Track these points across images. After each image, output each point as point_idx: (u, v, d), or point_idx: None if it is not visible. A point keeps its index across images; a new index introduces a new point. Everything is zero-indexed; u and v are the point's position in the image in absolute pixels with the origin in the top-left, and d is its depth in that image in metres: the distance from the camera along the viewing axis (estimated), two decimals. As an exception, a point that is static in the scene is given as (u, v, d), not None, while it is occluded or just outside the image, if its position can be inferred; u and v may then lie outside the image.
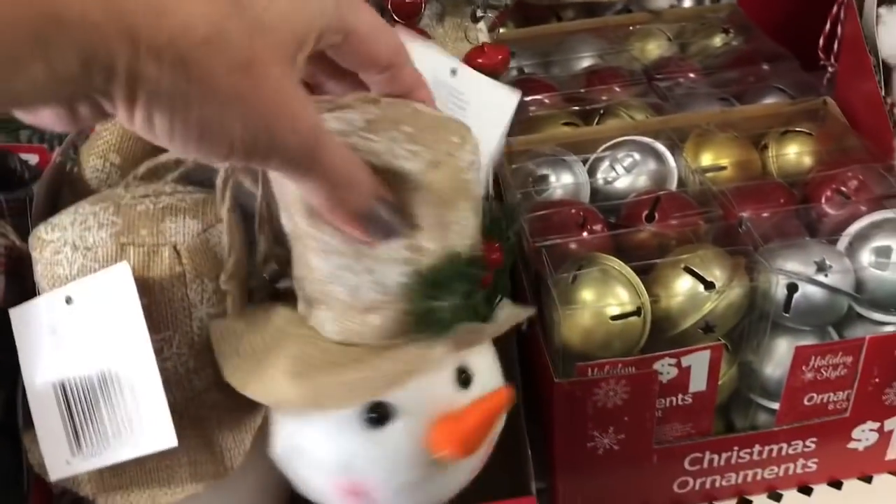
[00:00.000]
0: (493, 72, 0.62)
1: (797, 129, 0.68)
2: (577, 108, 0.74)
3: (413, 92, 0.46)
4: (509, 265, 0.50)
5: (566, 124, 0.73)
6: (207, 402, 0.54)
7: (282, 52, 0.36)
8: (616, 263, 0.57)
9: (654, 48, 0.84)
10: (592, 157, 0.68)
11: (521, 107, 0.73)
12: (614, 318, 0.55)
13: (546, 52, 0.85)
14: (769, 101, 0.74)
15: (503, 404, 0.45)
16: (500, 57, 0.61)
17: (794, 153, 0.67)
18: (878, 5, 0.62)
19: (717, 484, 0.63)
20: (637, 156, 0.67)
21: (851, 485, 0.65)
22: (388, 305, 0.44)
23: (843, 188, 0.62)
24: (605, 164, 0.67)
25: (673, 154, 0.67)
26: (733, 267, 0.56)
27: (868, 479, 0.66)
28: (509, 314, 0.50)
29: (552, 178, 0.66)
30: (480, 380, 0.48)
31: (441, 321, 0.44)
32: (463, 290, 0.44)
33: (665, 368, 0.56)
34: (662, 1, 0.89)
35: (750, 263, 0.57)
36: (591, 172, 0.68)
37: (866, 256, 0.58)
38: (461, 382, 0.46)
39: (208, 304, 0.53)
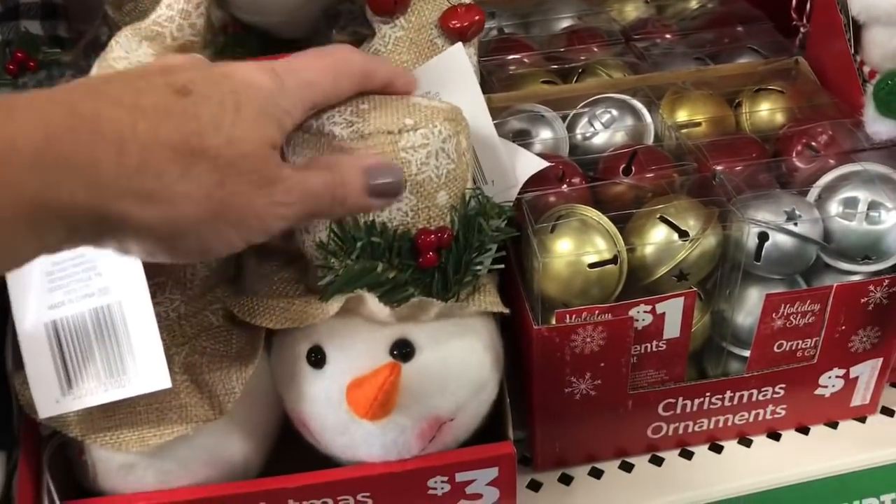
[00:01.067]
0: (468, 33, 0.63)
1: (769, 87, 0.70)
2: (555, 66, 0.75)
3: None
4: (484, 254, 0.54)
5: (545, 82, 0.74)
6: (197, 349, 0.56)
7: (255, 164, 0.41)
8: (594, 214, 0.58)
9: (632, 10, 0.86)
10: (571, 113, 0.69)
11: (502, 66, 0.74)
12: (592, 265, 0.57)
13: (526, 13, 0.86)
14: (743, 60, 0.76)
15: (389, 379, 0.48)
16: (475, 18, 0.62)
17: (767, 110, 0.69)
18: (848, -37, 0.64)
19: (690, 429, 0.65)
20: (615, 112, 0.68)
21: (818, 430, 0.68)
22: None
23: (812, 143, 0.64)
24: (584, 120, 0.69)
25: (649, 111, 0.69)
26: (707, 217, 0.58)
27: (834, 425, 0.68)
28: (477, 301, 0.53)
29: (532, 134, 0.68)
30: (426, 356, 0.52)
31: (337, 280, 0.50)
32: (367, 257, 0.50)
33: (640, 315, 0.58)
34: (641, -36, 0.90)
35: (723, 214, 0.59)
36: (570, 128, 0.69)
37: (834, 207, 0.60)
38: (402, 355, 0.51)
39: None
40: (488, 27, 0.83)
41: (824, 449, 0.66)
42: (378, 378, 0.48)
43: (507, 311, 0.56)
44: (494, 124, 0.67)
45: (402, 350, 0.52)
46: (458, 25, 0.63)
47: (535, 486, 0.65)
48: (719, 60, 0.76)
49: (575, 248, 0.57)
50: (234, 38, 0.88)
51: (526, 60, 0.78)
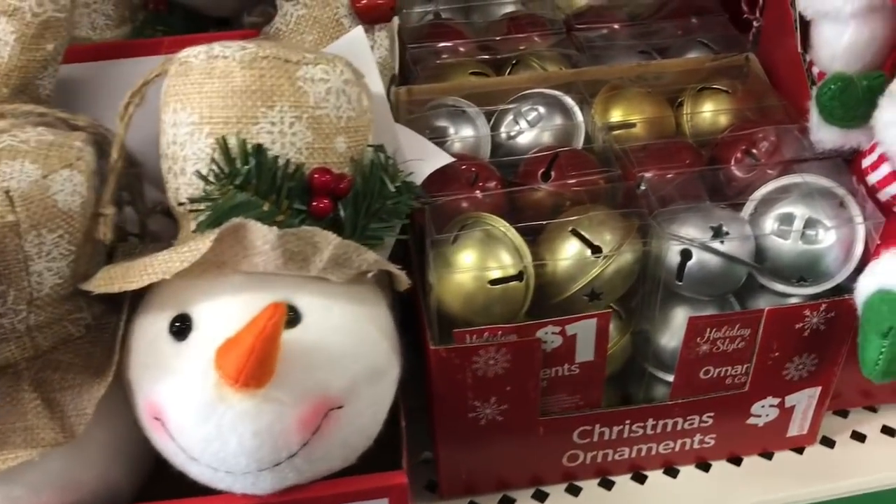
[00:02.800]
0: (376, 14, 0.57)
1: (714, 86, 0.64)
2: (487, 57, 0.69)
3: None
4: (369, 206, 0.49)
5: (474, 74, 0.68)
6: (52, 363, 0.51)
7: None
8: (501, 224, 0.53)
9: (581, -2, 0.79)
10: (497, 109, 0.63)
11: (431, 54, 0.69)
12: (494, 281, 0.51)
13: (464, -5, 0.80)
14: (692, 55, 0.70)
15: (270, 323, 0.41)
16: (381, 1, 0.57)
17: (710, 111, 0.64)
18: (795, -46, 0.58)
19: (610, 458, 0.60)
20: (542, 109, 0.62)
21: (751, 461, 0.63)
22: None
23: (753, 150, 0.58)
24: (510, 117, 0.63)
25: (582, 109, 0.63)
26: (624, 231, 0.53)
27: (769, 456, 0.63)
28: (366, 259, 0.47)
29: (451, 131, 0.62)
30: (313, 322, 0.46)
31: (215, 209, 0.45)
32: (253, 191, 0.46)
33: (549, 337, 0.53)
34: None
35: (643, 228, 0.53)
36: (495, 126, 0.63)
37: (769, 223, 0.54)
38: (286, 321, 0.44)
39: (49, 258, 0.48)
40: (424, 10, 0.77)
41: (757, 481, 0.62)
42: (255, 327, 0.41)
43: (406, 281, 0.51)
44: (413, 118, 0.62)
45: (286, 315, 0.44)
46: (363, 4, 0.57)
47: (439, 514, 0.60)
48: (667, 54, 0.71)
49: (477, 262, 0.52)
50: (154, 15, 0.82)
51: (460, 49, 0.72)
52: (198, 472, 0.48)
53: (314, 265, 0.46)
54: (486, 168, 0.58)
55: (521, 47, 0.71)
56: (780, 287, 0.55)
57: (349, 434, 0.49)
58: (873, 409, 0.66)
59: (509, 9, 0.78)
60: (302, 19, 0.59)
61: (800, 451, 0.63)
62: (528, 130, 0.62)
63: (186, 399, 0.45)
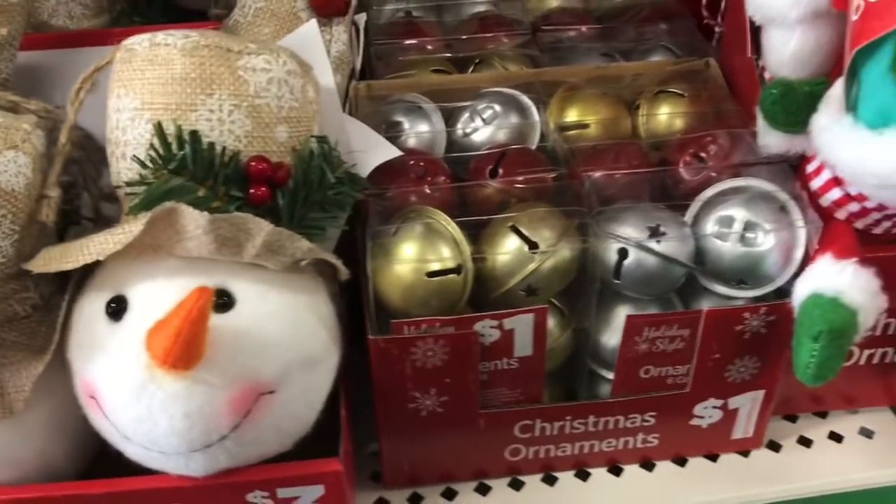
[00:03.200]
0: (332, 9, 0.58)
1: (670, 89, 0.64)
2: (449, 55, 0.70)
3: None
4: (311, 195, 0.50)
5: (437, 71, 0.69)
6: (-8, 340, 0.52)
7: None
8: (442, 218, 0.54)
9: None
10: (454, 106, 0.64)
11: (396, 50, 0.69)
12: (431, 274, 0.52)
13: (439, -6, 0.81)
14: (655, 59, 0.70)
15: (197, 305, 0.42)
16: (336, -6, 0.58)
17: (666, 114, 0.64)
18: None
19: (553, 453, 0.61)
20: (498, 108, 0.63)
21: (696, 462, 0.63)
22: None
23: (702, 153, 0.59)
24: (466, 115, 0.64)
25: (539, 109, 0.64)
26: (563, 228, 0.53)
27: (714, 458, 0.63)
28: (300, 247, 0.48)
29: (406, 126, 0.63)
30: (246, 309, 0.46)
31: (148, 192, 0.46)
32: (189, 177, 0.47)
33: (487, 330, 0.53)
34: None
35: (582, 226, 0.54)
36: (452, 123, 0.64)
37: (710, 225, 0.55)
38: (218, 305, 0.46)
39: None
40: (395, 8, 0.78)
41: (700, 482, 0.62)
42: (182, 309, 0.42)
43: (345, 271, 0.52)
44: (369, 113, 0.63)
45: (220, 300, 0.46)
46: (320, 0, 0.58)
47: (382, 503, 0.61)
48: (631, 58, 0.71)
49: (416, 254, 0.52)
50: (132, 6, 0.83)
51: (427, 47, 0.73)
52: (132, 451, 0.49)
53: (247, 251, 0.47)
54: (436, 163, 0.59)
55: (490, 46, 0.72)
56: (720, 289, 0.55)
57: (282, 419, 0.50)
58: (822, 415, 0.66)
59: (480, 9, 0.78)
60: (260, 12, 0.60)
61: (745, 454, 0.63)
62: (484, 128, 0.63)
63: (119, 379, 0.46)
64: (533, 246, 0.52)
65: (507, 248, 0.53)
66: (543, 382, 0.57)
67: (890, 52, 0.44)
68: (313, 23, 0.57)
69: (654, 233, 0.53)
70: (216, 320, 0.46)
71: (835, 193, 0.53)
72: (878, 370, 0.63)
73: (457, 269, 0.52)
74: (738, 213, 0.54)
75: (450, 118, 0.64)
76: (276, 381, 0.48)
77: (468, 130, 0.63)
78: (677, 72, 0.67)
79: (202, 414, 0.45)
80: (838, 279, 0.50)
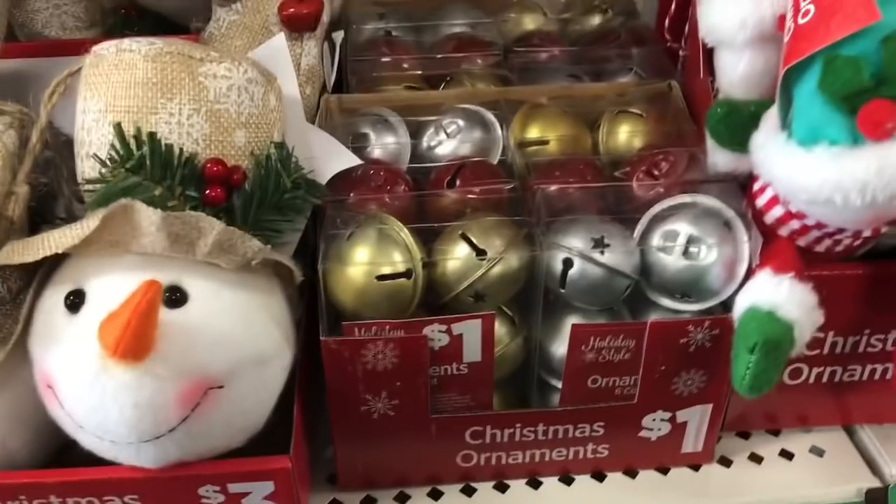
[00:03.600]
0: (301, 24, 0.60)
1: (630, 110, 0.66)
2: (421, 73, 0.72)
3: None
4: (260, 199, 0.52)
5: (409, 88, 0.71)
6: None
7: None
8: (395, 224, 0.55)
9: (530, 22, 0.82)
10: (417, 120, 0.66)
11: (371, 66, 0.72)
12: (381, 277, 0.54)
13: (422, 17, 0.83)
14: (621, 81, 0.72)
15: (145, 298, 0.44)
16: (305, 11, 0.60)
17: (625, 133, 0.66)
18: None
19: (504, 461, 0.62)
20: (461, 122, 0.65)
21: (646, 475, 0.64)
22: None
23: (654, 170, 0.61)
24: (431, 129, 0.66)
25: (503, 125, 0.66)
26: (512, 237, 0.55)
27: (664, 471, 0.64)
28: (251, 247, 0.50)
29: (372, 138, 0.65)
30: (198, 305, 0.48)
31: (104, 189, 0.48)
32: (146, 176, 0.49)
33: (436, 335, 0.55)
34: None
35: (531, 236, 0.55)
36: (417, 136, 0.66)
37: (656, 239, 0.56)
38: (171, 301, 0.48)
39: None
40: (376, 27, 0.80)
41: (649, 494, 0.63)
42: (131, 302, 0.44)
43: (298, 273, 0.54)
44: (339, 125, 0.65)
45: (173, 296, 0.48)
46: (288, 13, 0.61)
47: (335, 505, 0.62)
48: (599, 80, 0.73)
49: (369, 258, 0.54)
50: (125, 20, 0.87)
51: (404, 65, 0.75)
52: (86, 440, 0.51)
53: (200, 249, 0.49)
54: (396, 173, 0.61)
55: (462, 66, 0.74)
56: (666, 302, 0.57)
57: (231, 415, 0.52)
58: (776, 433, 0.67)
59: (457, 30, 0.81)
60: (233, 24, 0.63)
61: (695, 468, 0.64)
62: (447, 142, 0.65)
63: (74, 369, 0.48)
64: (481, 253, 0.54)
65: (457, 255, 0.55)
66: (493, 389, 0.58)
67: (818, 71, 0.46)
68: (281, 36, 0.59)
69: (599, 244, 0.54)
70: (168, 315, 0.48)
71: (777, 211, 0.55)
72: (829, 389, 0.64)
73: (407, 274, 0.54)
74: (683, 228, 0.56)
75: (416, 132, 0.66)
76: (225, 377, 0.50)
77: (432, 144, 0.65)
78: (640, 93, 0.69)
79: (151, 405, 0.47)
80: (775, 293, 0.51)
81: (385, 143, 0.65)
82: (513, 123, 0.66)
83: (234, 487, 0.55)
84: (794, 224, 0.54)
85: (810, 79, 0.47)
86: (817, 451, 0.65)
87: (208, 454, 0.53)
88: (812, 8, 0.46)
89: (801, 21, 0.47)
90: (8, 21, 0.82)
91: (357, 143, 0.64)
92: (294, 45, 0.63)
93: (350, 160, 0.58)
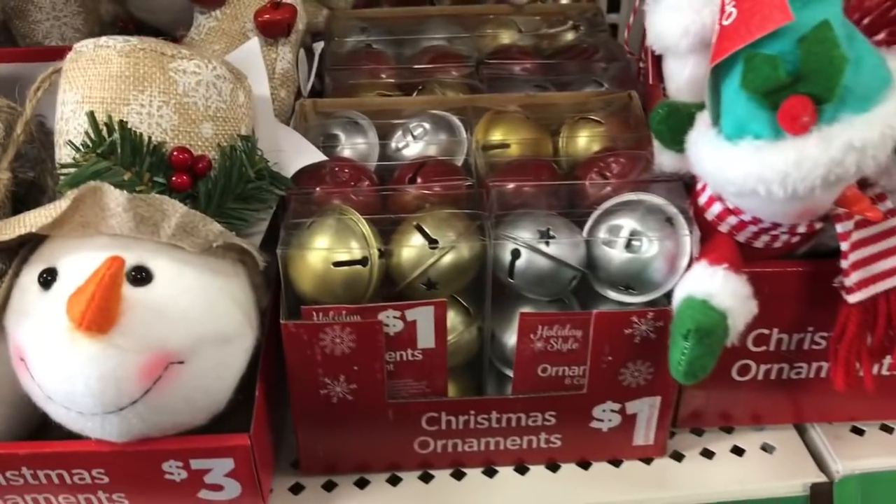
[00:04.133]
0: (275, 30, 0.64)
1: (590, 116, 0.70)
2: (395, 81, 0.76)
3: None
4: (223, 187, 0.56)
5: (382, 95, 0.75)
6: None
7: None
8: (353, 215, 0.59)
9: (505, 37, 0.86)
10: (387, 123, 0.70)
11: (347, 76, 0.76)
12: (338, 263, 0.57)
13: (402, 31, 0.87)
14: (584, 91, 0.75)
15: (108, 273, 0.48)
16: (279, 17, 0.64)
17: (585, 139, 0.69)
18: (640, -7, 0.63)
19: (461, 448, 0.64)
20: (428, 126, 0.69)
21: (600, 467, 0.66)
22: None
23: (605, 171, 0.63)
24: (399, 132, 0.69)
25: (468, 130, 0.69)
26: (463, 229, 0.58)
27: (617, 464, 0.66)
28: (212, 230, 0.53)
29: (342, 138, 0.68)
30: (162, 285, 0.51)
31: (76, 172, 0.52)
32: (117, 161, 0.52)
33: (391, 321, 0.58)
34: (529, -5, 0.91)
35: (482, 228, 0.58)
36: (387, 139, 0.69)
37: (602, 234, 0.59)
38: (136, 280, 0.51)
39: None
40: (357, 40, 0.84)
41: (601, 484, 0.65)
42: (95, 276, 0.47)
43: (261, 259, 0.57)
44: (313, 127, 0.68)
45: (138, 275, 0.52)
46: (263, 19, 0.64)
47: (297, 489, 0.65)
48: (564, 91, 0.76)
49: (327, 246, 0.57)
50: (122, 33, 0.91)
51: (382, 75, 0.79)
52: (55, 411, 0.54)
53: (164, 230, 0.52)
54: (360, 170, 0.64)
55: (436, 76, 0.78)
56: (612, 294, 0.60)
57: (192, 390, 0.55)
58: (728, 431, 0.69)
59: (435, 44, 0.85)
60: (213, 30, 0.67)
61: (647, 461, 0.66)
62: (414, 143, 0.68)
63: (43, 341, 0.51)
64: (433, 242, 0.57)
65: (411, 244, 0.58)
66: (447, 376, 0.61)
67: (740, 69, 0.49)
68: (255, 40, 0.63)
69: (544, 236, 0.57)
70: (133, 293, 0.51)
71: (716, 208, 0.57)
72: (779, 387, 0.66)
73: (363, 261, 0.57)
74: (627, 223, 0.58)
75: (385, 135, 0.70)
76: (185, 352, 0.53)
77: (400, 145, 0.69)
78: (602, 103, 0.72)
79: (115, 377, 0.50)
80: (709, 283, 0.54)
81: (355, 144, 0.68)
82: (477, 127, 0.69)
83: (196, 464, 0.58)
84: (732, 220, 0.57)
85: (735, 77, 0.50)
86: (768, 448, 0.67)
87: (171, 430, 0.56)
88: (734, 10, 0.49)
89: (725, 23, 0.50)
90: (10, 31, 0.87)
91: (327, 144, 0.68)
92: (269, 49, 0.67)
93: (315, 156, 0.62)
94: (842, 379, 0.58)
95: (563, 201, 0.63)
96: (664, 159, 0.61)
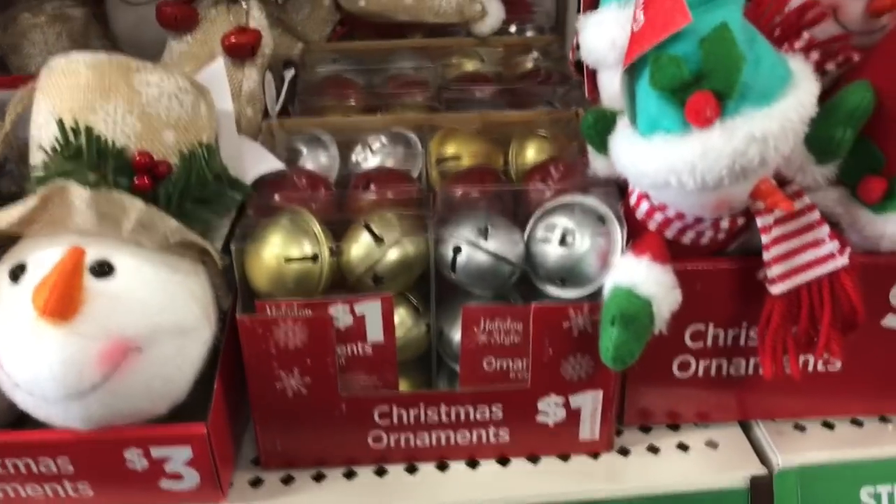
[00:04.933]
0: (241, 52, 0.70)
1: (538, 132, 0.74)
2: (357, 104, 0.81)
3: None
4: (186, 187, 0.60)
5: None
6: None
7: None
8: (306, 215, 0.63)
9: (468, 66, 0.91)
10: (348, 140, 0.75)
11: (316, 100, 0.81)
12: (289, 260, 0.61)
13: (372, 62, 0.92)
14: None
15: (70, 261, 0.53)
16: (245, 41, 0.70)
17: (532, 151, 0.73)
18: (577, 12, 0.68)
19: (413, 443, 0.67)
20: (386, 141, 0.73)
21: (548, 461, 0.69)
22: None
23: (547, 178, 0.68)
24: (359, 146, 0.74)
25: (424, 145, 0.74)
26: (409, 228, 0.62)
27: (565, 458, 0.69)
28: (169, 226, 0.57)
29: (304, 153, 0.73)
30: (123, 278, 0.55)
31: (46, 173, 0.56)
32: (84, 165, 0.57)
33: (340, 314, 0.61)
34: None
35: (425, 227, 0.62)
36: (348, 154, 0.74)
37: (539, 232, 0.63)
38: (99, 273, 0.55)
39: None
40: (330, 68, 0.90)
41: (549, 479, 0.67)
42: (58, 266, 0.52)
43: (218, 257, 0.61)
44: (278, 143, 0.73)
45: (101, 268, 0.56)
46: (230, 42, 0.70)
47: (256, 482, 0.67)
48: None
49: (280, 243, 0.61)
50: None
51: (351, 101, 0.84)
52: (21, 399, 0.57)
53: (124, 226, 0.57)
54: (318, 178, 0.69)
55: (401, 100, 0.83)
56: (549, 289, 0.63)
57: (151, 378, 0.58)
58: (675, 428, 0.72)
59: (402, 72, 0.90)
60: (183, 54, 0.72)
61: (594, 456, 0.69)
62: (373, 157, 0.73)
63: (11, 329, 0.55)
64: (379, 240, 0.61)
65: (359, 242, 0.62)
66: (397, 370, 0.64)
67: (650, 69, 0.53)
68: (220, 59, 0.68)
69: (483, 233, 0.61)
70: (95, 284, 0.55)
71: (644, 206, 0.61)
72: (722, 384, 0.69)
73: (314, 258, 0.61)
74: (562, 222, 0.62)
75: (347, 151, 0.74)
76: (144, 340, 0.57)
77: (359, 159, 0.73)
78: (551, 121, 0.77)
79: (76, 362, 0.54)
80: (634, 273, 0.58)
81: (317, 158, 0.73)
82: (431, 143, 0.74)
83: (156, 452, 0.61)
84: (659, 217, 0.61)
85: (646, 77, 0.54)
86: (712, 444, 0.70)
87: (132, 417, 0.60)
88: (643, 17, 0.54)
89: (635, 29, 0.54)
90: (6, 64, 0.93)
91: (290, 158, 0.72)
92: (236, 70, 0.72)
93: (275, 164, 0.66)
94: (769, 367, 0.61)
95: (507, 207, 0.67)
96: (598, 164, 0.65)
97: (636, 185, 0.58)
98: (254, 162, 0.66)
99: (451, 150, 0.73)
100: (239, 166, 0.65)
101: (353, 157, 0.74)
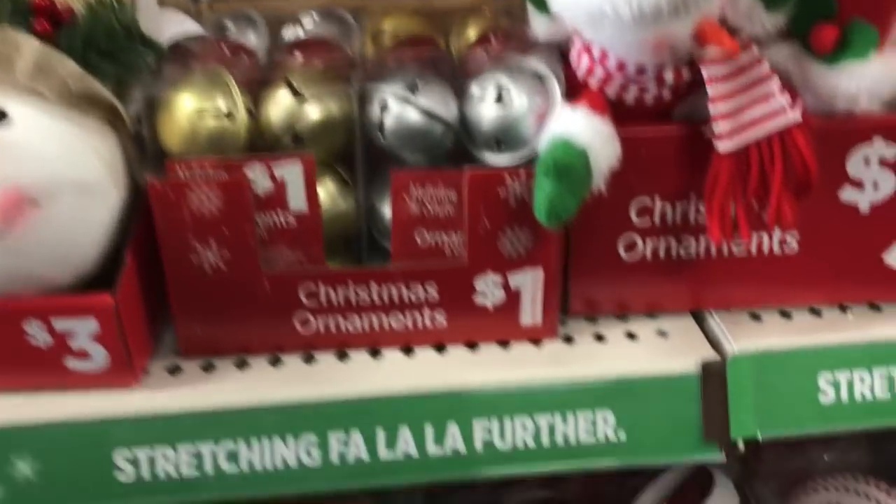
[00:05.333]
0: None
1: (481, 12, 0.71)
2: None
3: None
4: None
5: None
6: None
7: None
8: (223, 72, 0.59)
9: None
10: (279, 20, 0.71)
11: None
12: (201, 112, 0.57)
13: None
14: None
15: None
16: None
17: (474, 33, 0.70)
18: None
19: (344, 329, 0.63)
20: (317, 17, 0.70)
21: (487, 349, 0.65)
22: None
23: (488, 48, 0.64)
24: (291, 25, 0.70)
25: (359, 23, 0.70)
26: (332, 85, 0.58)
27: (505, 345, 0.65)
28: (72, 73, 0.53)
29: (232, 31, 0.69)
30: (19, 127, 0.52)
31: None
32: None
33: (258, 177, 0.57)
34: None
35: (352, 83, 0.58)
36: (277, 31, 0.70)
37: (475, 90, 0.59)
38: None
39: None
40: None
41: (488, 366, 0.63)
42: None
43: (124, 115, 0.57)
44: (206, 21, 0.69)
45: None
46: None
47: (175, 370, 0.63)
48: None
49: (194, 99, 0.57)
50: None
51: None
52: None
53: (20, 68, 0.52)
54: (241, 47, 0.65)
55: None
56: (486, 154, 0.59)
57: (49, 237, 0.54)
58: (624, 318, 0.68)
59: None
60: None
61: (537, 342, 0.65)
62: (305, 36, 0.69)
63: None
64: (300, 96, 0.57)
65: (278, 99, 0.57)
66: (322, 243, 0.60)
67: None
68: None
69: (413, 88, 0.57)
70: None
71: (585, 62, 0.57)
72: (673, 270, 0.65)
73: (228, 115, 0.57)
74: (497, 78, 0.58)
75: (278, 30, 0.70)
76: (41, 195, 0.53)
77: (290, 37, 0.69)
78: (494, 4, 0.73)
79: None
80: (570, 123, 0.54)
81: (245, 36, 0.69)
82: (367, 21, 0.70)
83: (59, 325, 0.57)
84: (599, 72, 0.57)
85: None
86: (662, 334, 0.66)
87: (35, 284, 0.56)
88: None
89: None
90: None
91: (219, 35, 0.68)
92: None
93: (193, 27, 0.62)
94: (717, 231, 0.57)
95: (445, 76, 0.63)
96: (538, 25, 0.61)
97: (574, 20, 0.54)
98: (171, 25, 0.62)
99: (388, 27, 0.69)
100: (155, 28, 0.61)
101: (284, 36, 0.70)
